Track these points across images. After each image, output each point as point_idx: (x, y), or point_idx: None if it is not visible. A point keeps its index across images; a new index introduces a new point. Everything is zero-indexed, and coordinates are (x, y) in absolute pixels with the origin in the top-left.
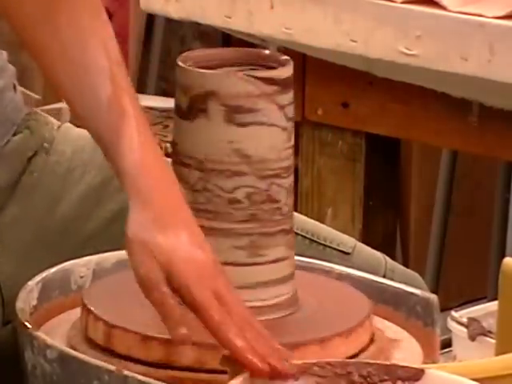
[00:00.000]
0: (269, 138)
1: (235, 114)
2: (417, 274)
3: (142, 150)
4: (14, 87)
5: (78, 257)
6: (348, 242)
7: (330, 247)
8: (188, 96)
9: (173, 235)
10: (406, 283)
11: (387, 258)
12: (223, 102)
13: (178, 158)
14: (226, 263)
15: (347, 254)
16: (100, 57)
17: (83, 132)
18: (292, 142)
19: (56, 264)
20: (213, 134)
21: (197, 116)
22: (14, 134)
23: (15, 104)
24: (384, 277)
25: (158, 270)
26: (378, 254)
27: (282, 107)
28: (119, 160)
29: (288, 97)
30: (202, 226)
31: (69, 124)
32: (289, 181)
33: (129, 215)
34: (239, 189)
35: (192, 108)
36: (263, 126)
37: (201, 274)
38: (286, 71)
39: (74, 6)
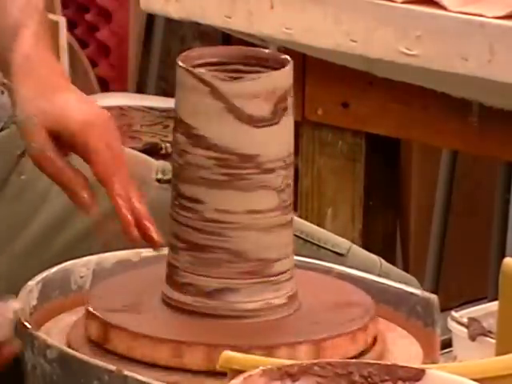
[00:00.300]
0: None
1: None
2: (413, 278)
3: (32, 48)
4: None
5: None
6: (343, 243)
7: (324, 248)
8: (272, 101)
9: (59, 99)
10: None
11: (383, 261)
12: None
13: (258, 168)
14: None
15: (342, 255)
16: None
17: None
18: None
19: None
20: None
21: (282, 116)
22: (1, 130)
23: (2, 104)
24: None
25: (49, 143)
26: (374, 256)
27: None
28: (9, 57)
29: None
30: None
31: None
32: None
33: (16, 99)
34: None
35: (276, 111)
36: None
37: (92, 122)
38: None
39: None
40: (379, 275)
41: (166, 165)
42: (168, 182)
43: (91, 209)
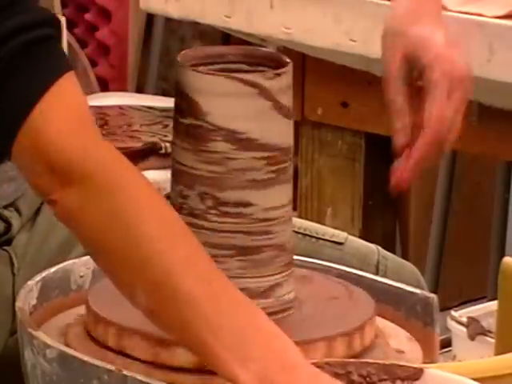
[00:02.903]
0: None
1: None
2: (409, 263)
3: None
4: None
5: None
6: (340, 234)
7: (322, 239)
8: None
9: (426, 26)
10: (398, 271)
11: (380, 248)
12: None
13: (290, 159)
14: None
15: (340, 243)
16: None
17: None
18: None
19: None
20: None
21: None
22: None
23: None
24: (377, 264)
25: (399, 63)
26: (371, 245)
27: None
28: None
29: None
30: None
31: None
32: None
33: (392, 7)
34: None
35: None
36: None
37: (449, 67)
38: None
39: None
40: (378, 259)
41: (159, 183)
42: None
43: (397, 141)
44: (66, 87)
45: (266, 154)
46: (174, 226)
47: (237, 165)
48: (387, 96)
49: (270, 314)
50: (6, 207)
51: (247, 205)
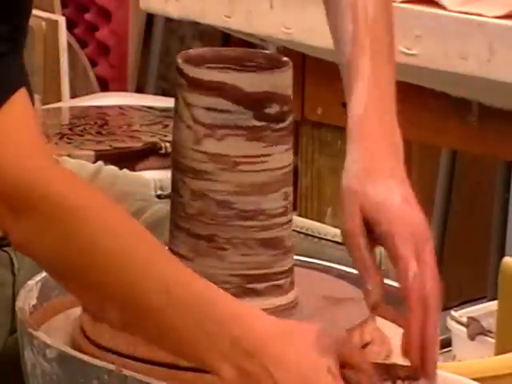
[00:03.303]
0: (177, 129)
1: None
2: None
3: (365, 109)
4: None
5: None
6: None
7: (324, 239)
8: None
9: (382, 187)
10: None
11: (382, 249)
12: None
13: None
14: None
15: (342, 244)
16: (346, 20)
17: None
18: (205, 148)
19: None
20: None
21: None
22: None
23: None
24: (379, 264)
25: (361, 224)
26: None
27: (188, 105)
28: (348, 113)
29: (200, 99)
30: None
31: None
32: (196, 185)
33: (345, 165)
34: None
35: None
36: (176, 115)
37: (410, 230)
38: (213, 75)
39: None
40: (379, 261)
41: (162, 181)
42: (167, 197)
43: (369, 301)
44: (13, 110)
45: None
46: (131, 239)
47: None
48: (352, 254)
49: (270, 314)
50: None
51: None
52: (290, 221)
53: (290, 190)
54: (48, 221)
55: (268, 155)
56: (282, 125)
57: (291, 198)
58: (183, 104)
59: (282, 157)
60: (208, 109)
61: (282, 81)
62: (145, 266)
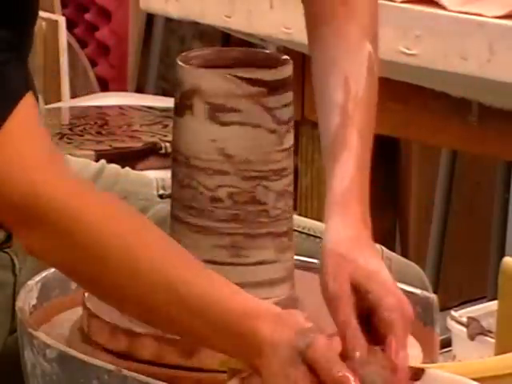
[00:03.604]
0: (252, 139)
1: (218, 112)
2: (413, 264)
3: (350, 182)
4: None
5: None
6: None
7: None
8: (179, 92)
9: (371, 258)
10: (402, 271)
11: (384, 248)
12: (206, 100)
13: (172, 152)
14: (205, 261)
15: None
16: (337, 90)
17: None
18: (286, 145)
19: None
20: (197, 130)
21: (184, 112)
22: None
23: None
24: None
25: (349, 289)
26: (376, 245)
27: (269, 109)
28: (330, 180)
29: (277, 99)
30: (187, 223)
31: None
32: (281, 184)
33: (328, 231)
34: (221, 187)
35: (181, 104)
36: (246, 126)
37: (400, 308)
38: (278, 73)
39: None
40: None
41: (164, 180)
42: (169, 196)
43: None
44: (18, 122)
45: None
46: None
47: None
48: (336, 318)
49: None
50: None
51: None
52: None
53: None
54: (55, 232)
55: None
56: None
57: None
58: (262, 109)
59: None
60: (286, 105)
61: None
62: (151, 266)
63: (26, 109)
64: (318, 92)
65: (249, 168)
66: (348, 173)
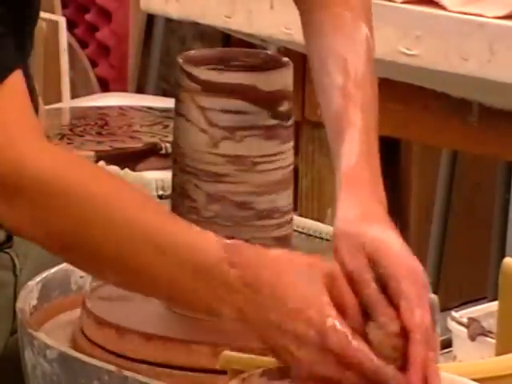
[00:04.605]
0: (188, 133)
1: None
2: None
3: (357, 161)
4: None
5: None
6: None
7: (327, 240)
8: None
9: (381, 231)
10: None
11: None
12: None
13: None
14: None
15: None
16: (335, 73)
17: None
18: (224, 152)
19: None
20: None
21: None
22: None
23: None
24: None
25: (367, 266)
26: None
27: (201, 108)
28: (338, 159)
29: (213, 101)
30: None
31: None
32: (214, 188)
33: (338, 212)
34: (173, 177)
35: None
36: (183, 119)
37: (412, 275)
38: (231, 76)
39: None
40: None
41: (164, 181)
42: (168, 197)
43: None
44: (4, 91)
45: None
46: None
47: None
48: (362, 291)
49: None
50: None
51: None
52: (292, 219)
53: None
54: (41, 197)
55: (282, 153)
56: (290, 122)
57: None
58: (194, 107)
59: (291, 153)
60: (224, 111)
61: (289, 78)
62: (130, 224)
63: (15, 82)
64: (317, 77)
65: (183, 160)
66: (354, 150)
